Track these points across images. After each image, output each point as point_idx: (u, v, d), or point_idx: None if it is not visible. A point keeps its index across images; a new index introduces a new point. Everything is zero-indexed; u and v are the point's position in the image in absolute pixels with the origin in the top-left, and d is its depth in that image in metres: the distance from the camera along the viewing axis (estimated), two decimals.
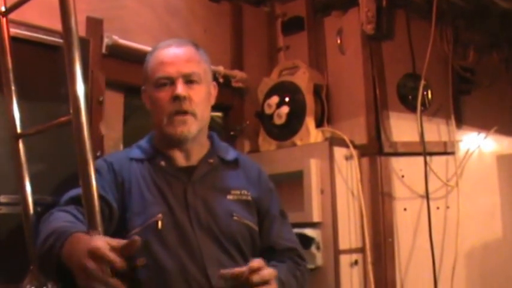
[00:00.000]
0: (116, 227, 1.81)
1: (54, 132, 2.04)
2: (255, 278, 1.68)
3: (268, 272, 1.72)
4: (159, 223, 1.84)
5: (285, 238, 2.11)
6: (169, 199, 1.91)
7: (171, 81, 1.96)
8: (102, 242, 1.39)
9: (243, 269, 1.69)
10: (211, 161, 2.05)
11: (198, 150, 2.05)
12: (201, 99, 1.99)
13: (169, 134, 1.97)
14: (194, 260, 1.82)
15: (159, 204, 1.89)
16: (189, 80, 1.97)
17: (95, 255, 1.35)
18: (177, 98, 1.93)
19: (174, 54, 2.01)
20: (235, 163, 2.11)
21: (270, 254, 1.99)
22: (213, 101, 2.12)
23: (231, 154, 2.13)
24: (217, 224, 1.91)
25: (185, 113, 1.94)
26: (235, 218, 1.95)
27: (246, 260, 1.87)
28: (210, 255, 1.85)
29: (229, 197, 2.00)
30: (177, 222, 1.87)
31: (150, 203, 1.89)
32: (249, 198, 2.03)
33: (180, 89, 1.94)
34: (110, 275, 1.35)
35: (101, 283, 1.34)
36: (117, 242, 1.38)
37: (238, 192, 2.02)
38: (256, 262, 1.71)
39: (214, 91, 2.13)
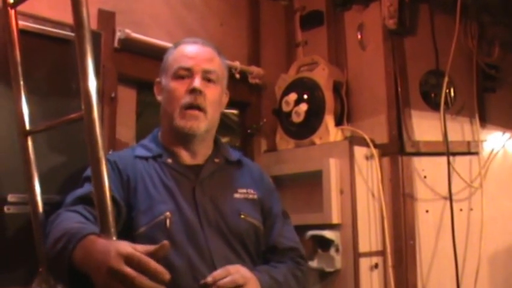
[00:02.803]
0: (123, 226, 1.81)
1: (64, 129, 2.02)
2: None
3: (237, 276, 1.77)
4: (168, 221, 1.84)
5: (287, 237, 2.13)
6: (177, 197, 1.92)
7: (191, 74, 2.01)
8: (129, 247, 1.36)
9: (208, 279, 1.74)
10: (217, 160, 2.09)
11: (204, 150, 2.08)
12: (214, 99, 2.04)
13: (179, 127, 1.99)
14: (203, 257, 1.83)
15: (167, 202, 1.89)
16: (207, 78, 2.03)
17: (133, 261, 1.31)
18: (193, 91, 1.98)
19: (198, 50, 2.08)
20: (238, 163, 2.16)
21: (272, 253, 2.05)
22: (222, 109, 2.17)
23: (234, 155, 2.18)
24: (226, 222, 1.94)
25: (198, 108, 1.98)
26: (242, 216, 1.98)
27: (251, 258, 1.95)
28: (219, 253, 1.87)
29: (237, 195, 2.03)
30: (186, 221, 1.87)
31: (157, 201, 1.89)
32: (255, 197, 2.08)
33: (198, 82, 1.99)
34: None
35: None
36: (145, 248, 1.36)
37: (244, 191, 2.06)
38: (220, 271, 1.76)
39: (225, 99, 2.19)
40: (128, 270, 1.30)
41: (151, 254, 1.33)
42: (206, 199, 1.95)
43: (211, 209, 1.93)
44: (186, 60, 2.04)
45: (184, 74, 2.01)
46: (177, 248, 1.82)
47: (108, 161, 1.91)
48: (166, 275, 1.31)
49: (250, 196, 2.05)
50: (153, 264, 1.31)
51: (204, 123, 1.99)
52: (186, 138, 2.02)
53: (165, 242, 1.34)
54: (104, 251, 1.37)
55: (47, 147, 2.17)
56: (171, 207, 1.87)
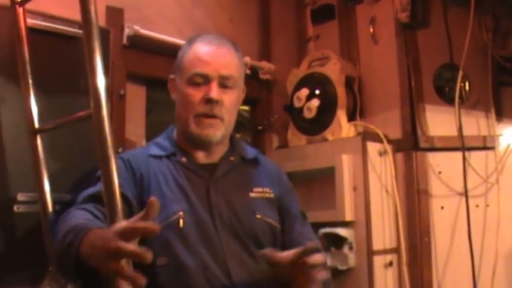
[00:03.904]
0: None
1: (73, 127, 2.04)
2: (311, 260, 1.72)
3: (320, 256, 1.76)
4: (181, 221, 1.85)
5: (307, 238, 2.10)
6: (191, 196, 1.92)
7: (206, 80, 1.98)
8: (124, 222, 1.36)
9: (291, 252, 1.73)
10: (232, 158, 2.09)
11: (220, 149, 2.08)
12: (232, 104, 2.03)
13: (194, 135, 1.99)
14: (216, 258, 1.84)
15: (180, 201, 1.90)
16: (224, 84, 2.00)
17: (125, 233, 1.30)
18: (209, 101, 1.96)
19: (214, 53, 2.02)
20: (255, 161, 2.15)
21: None
22: (239, 106, 2.15)
23: (250, 152, 2.17)
24: (240, 222, 1.94)
25: (214, 117, 1.97)
26: (258, 216, 1.98)
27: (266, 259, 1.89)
28: (232, 254, 1.87)
29: (252, 194, 2.03)
30: (199, 220, 1.88)
31: (171, 200, 1.90)
32: (272, 196, 2.07)
33: (215, 92, 1.96)
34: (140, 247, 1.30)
35: (137, 256, 1.28)
36: (137, 215, 1.35)
37: (260, 189, 2.06)
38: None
39: (242, 95, 2.17)
40: (121, 243, 1.29)
41: (144, 217, 1.31)
42: (220, 198, 1.95)
43: (225, 209, 1.94)
44: (202, 66, 1.99)
45: (200, 81, 1.98)
46: (190, 248, 1.83)
47: (121, 159, 1.95)
48: (153, 226, 1.28)
49: (267, 195, 2.05)
50: (140, 223, 1.30)
51: (220, 131, 1.99)
52: (202, 144, 2.02)
53: (152, 198, 1.32)
54: (103, 236, 1.37)
55: (59, 146, 2.19)
56: (185, 206, 1.88)
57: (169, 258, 1.81)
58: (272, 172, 2.17)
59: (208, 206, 1.92)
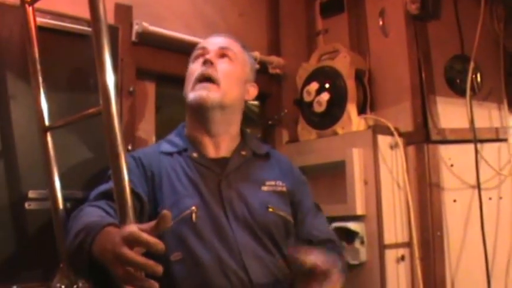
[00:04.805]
0: (147, 221, 1.83)
1: (85, 124, 2.07)
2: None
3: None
4: (193, 216, 1.87)
5: (320, 230, 2.16)
6: (203, 191, 1.95)
7: (206, 52, 2.11)
8: (134, 227, 1.40)
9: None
10: (243, 153, 2.11)
11: (228, 141, 2.12)
12: (228, 72, 2.10)
13: (190, 102, 2.06)
14: (231, 252, 1.86)
15: (192, 196, 1.92)
16: (222, 53, 2.11)
17: (130, 240, 1.35)
18: (205, 63, 2.06)
19: (218, 36, 2.20)
20: (266, 156, 2.18)
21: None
22: (248, 98, 2.22)
23: (263, 148, 2.21)
24: (253, 216, 1.96)
25: (209, 79, 2.04)
26: (270, 209, 1.99)
27: (281, 252, 1.95)
28: (246, 247, 1.89)
29: (264, 188, 2.05)
30: (212, 215, 1.90)
31: (183, 195, 1.93)
32: (284, 189, 2.09)
33: (211, 55, 2.09)
34: (147, 259, 1.34)
35: (139, 267, 1.33)
36: (148, 224, 1.38)
37: (273, 183, 2.07)
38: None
39: (252, 90, 2.23)
40: (124, 250, 1.33)
41: (155, 228, 1.35)
42: (232, 192, 1.98)
43: (238, 203, 1.96)
44: (202, 44, 2.16)
45: (200, 52, 2.11)
46: (205, 243, 1.86)
47: (132, 157, 1.98)
48: (158, 245, 1.32)
49: (279, 188, 2.07)
50: (144, 236, 1.33)
51: (216, 95, 2.03)
52: (200, 115, 2.06)
53: (165, 211, 1.35)
54: (111, 240, 1.41)
55: (71, 143, 2.22)
56: (197, 201, 1.91)
57: (184, 253, 1.84)
58: (284, 166, 2.19)
59: (221, 200, 1.94)
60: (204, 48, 2.14)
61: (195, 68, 2.11)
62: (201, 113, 2.06)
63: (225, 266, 1.83)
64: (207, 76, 2.05)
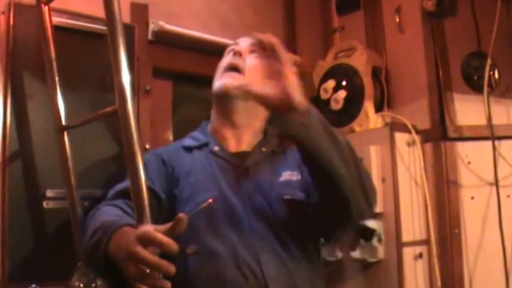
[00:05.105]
0: (166, 218, 1.83)
1: (104, 123, 2.07)
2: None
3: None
4: (210, 208, 1.85)
5: None
6: (222, 184, 1.94)
7: (238, 48, 2.13)
8: (149, 227, 1.41)
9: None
10: (264, 149, 2.09)
11: (250, 136, 2.11)
12: (256, 67, 2.02)
13: (214, 90, 2.09)
14: (246, 245, 1.84)
15: (210, 189, 1.91)
16: (253, 50, 2.08)
17: (144, 239, 1.36)
18: (234, 54, 2.09)
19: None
20: (283, 152, 2.15)
21: None
22: None
23: (282, 146, 2.17)
24: (271, 208, 1.93)
25: (236, 69, 2.05)
26: (286, 197, 1.96)
27: (298, 246, 1.92)
28: (262, 240, 1.87)
29: (281, 178, 2.02)
30: (229, 207, 1.89)
31: (200, 189, 1.92)
32: (299, 178, 2.04)
33: (241, 46, 2.12)
34: (160, 259, 1.35)
35: (152, 266, 1.34)
36: (164, 226, 1.39)
37: (288, 173, 2.04)
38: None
39: None
40: (138, 248, 1.34)
41: (170, 231, 1.36)
42: (251, 186, 1.96)
43: (256, 196, 1.94)
44: (238, 40, 2.19)
45: (232, 48, 2.14)
46: (220, 236, 1.84)
47: (153, 154, 2.00)
48: (172, 245, 1.33)
49: (294, 178, 2.03)
50: (158, 236, 1.34)
51: (237, 83, 2.01)
52: (223, 104, 2.08)
53: (181, 215, 1.35)
54: (126, 238, 1.42)
55: (90, 142, 2.23)
56: (215, 194, 1.89)
57: (199, 245, 1.83)
58: (298, 156, 2.18)
59: (239, 192, 1.93)
60: (236, 43, 2.17)
61: (225, 60, 2.14)
62: (224, 102, 2.07)
63: (239, 258, 1.81)
64: (234, 66, 2.07)
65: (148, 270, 1.35)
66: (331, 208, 1.82)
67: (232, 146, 2.07)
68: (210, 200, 1.81)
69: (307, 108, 1.58)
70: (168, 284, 1.37)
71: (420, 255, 2.69)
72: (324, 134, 1.65)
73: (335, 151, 1.67)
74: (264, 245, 1.86)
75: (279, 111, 1.57)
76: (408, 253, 2.66)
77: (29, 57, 2.13)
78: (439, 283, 2.64)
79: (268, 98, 1.56)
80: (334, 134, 1.70)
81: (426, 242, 2.74)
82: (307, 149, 1.66)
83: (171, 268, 1.34)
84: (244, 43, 2.17)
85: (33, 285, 2.04)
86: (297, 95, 1.54)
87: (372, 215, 1.87)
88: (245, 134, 2.08)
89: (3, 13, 2.15)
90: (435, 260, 2.67)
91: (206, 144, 2.07)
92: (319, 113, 1.68)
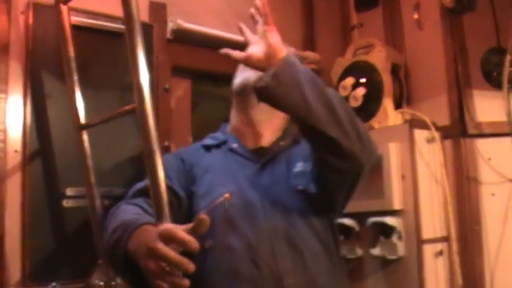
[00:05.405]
0: (185, 216, 1.83)
1: (123, 122, 2.07)
2: None
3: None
4: (226, 203, 1.84)
5: None
6: (239, 179, 1.94)
7: None
8: (171, 225, 1.42)
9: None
10: (282, 143, 2.08)
11: (270, 133, 2.10)
12: None
13: (234, 87, 2.09)
14: (262, 239, 1.83)
15: (227, 185, 1.90)
16: None
17: (166, 236, 1.35)
18: None
19: None
20: (297, 142, 2.12)
21: None
22: None
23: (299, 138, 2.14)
24: (287, 201, 1.92)
25: None
26: (300, 188, 1.94)
27: (316, 238, 1.90)
28: (278, 234, 1.85)
29: (295, 170, 2.00)
30: (246, 202, 1.88)
31: (218, 184, 1.92)
32: (310, 168, 2.00)
33: None
34: (181, 256, 1.34)
35: (172, 263, 1.34)
36: (186, 226, 1.39)
37: (302, 163, 2.00)
38: None
39: None
40: (159, 245, 1.34)
41: (191, 231, 1.35)
42: (268, 180, 1.95)
43: (273, 189, 1.93)
44: None
45: None
46: (236, 230, 1.84)
47: (173, 154, 2.02)
48: (194, 243, 1.33)
49: (308, 169, 2.01)
50: (180, 234, 1.34)
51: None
52: (242, 100, 2.07)
53: (202, 215, 1.35)
54: (146, 235, 1.42)
55: (110, 141, 2.24)
56: (231, 188, 1.87)
57: (215, 240, 1.83)
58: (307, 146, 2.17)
59: (257, 187, 1.92)
60: None
61: None
62: (243, 97, 2.06)
63: (254, 252, 1.80)
64: None
65: (167, 268, 1.35)
66: (322, 155, 1.81)
67: (251, 143, 2.07)
68: (227, 195, 1.80)
69: (286, 56, 1.70)
70: (187, 282, 1.36)
71: (440, 253, 2.67)
72: (307, 84, 1.72)
73: (318, 99, 1.71)
74: (280, 238, 1.85)
75: (261, 64, 1.71)
76: (428, 250, 2.64)
77: (48, 57, 2.14)
78: (459, 280, 2.62)
79: (251, 55, 1.73)
80: (317, 83, 1.77)
81: (446, 238, 2.73)
82: (287, 100, 1.70)
83: (191, 266, 1.33)
84: None
85: (54, 284, 2.05)
86: (275, 43, 1.71)
87: (370, 156, 1.83)
88: (264, 130, 2.08)
89: (22, 13, 2.16)
90: (455, 256, 2.65)
91: (225, 143, 2.08)
92: (302, 64, 1.78)
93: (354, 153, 1.74)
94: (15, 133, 2.11)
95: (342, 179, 1.89)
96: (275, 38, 1.72)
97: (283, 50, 1.71)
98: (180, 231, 1.35)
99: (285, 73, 1.67)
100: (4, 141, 2.07)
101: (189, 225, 1.37)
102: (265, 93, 1.68)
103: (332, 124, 1.69)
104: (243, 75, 2.06)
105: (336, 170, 1.81)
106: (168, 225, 1.41)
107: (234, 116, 2.14)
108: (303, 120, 1.71)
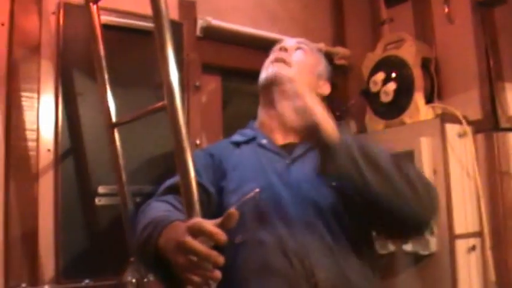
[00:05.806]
0: (214, 212, 1.82)
1: (154, 120, 2.08)
2: None
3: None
4: (256, 198, 1.83)
5: None
6: (270, 174, 1.94)
7: (283, 46, 2.17)
8: (200, 219, 1.43)
9: None
10: None
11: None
12: (302, 60, 2.15)
13: (261, 81, 2.12)
14: (292, 233, 1.82)
15: (257, 180, 1.90)
16: (298, 47, 2.17)
17: (194, 230, 1.36)
18: (281, 49, 2.14)
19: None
20: None
21: None
22: (321, 92, 2.23)
23: None
24: (319, 197, 1.90)
25: (283, 61, 2.09)
26: (334, 184, 1.90)
27: (347, 235, 1.87)
28: (310, 229, 1.84)
29: None
30: (276, 197, 1.88)
31: (248, 179, 1.91)
32: None
33: (286, 44, 2.17)
34: (209, 249, 1.34)
35: (201, 257, 1.33)
36: (215, 220, 1.39)
37: None
38: None
39: (325, 86, 2.27)
40: (188, 238, 1.34)
41: (221, 225, 1.35)
42: (299, 175, 1.94)
43: (304, 184, 1.91)
44: (283, 39, 2.25)
45: (277, 46, 2.18)
46: (266, 225, 1.83)
47: (202, 150, 2.02)
48: (221, 235, 1.33)
49: None
50: (208, 226, 1.34)
51: (286, 70, 2.06)
52: (270, 94, 2.05)
53: (231, 210, 1.35)
54: (177, 230, 1.43)
55: (141, 139, 2.25)
56: (262, 183, 1.86)
57: (246, 235, 1.82)
58: None
59: (287, 182, 1.91)
60: (282, 41, 2.21)
61: (271, 56, 2.16)
62: (269, 91, 2.06)
63: (286, 247, 1.79)
64: (281, 59, 2.10)
65: (197, 261, 1.35)
66: (384, 227, 1.87)
67: (280, 139, 2.07)
68: (257, 190, 1.80)
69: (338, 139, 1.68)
70: (219, 274, 1.36)
71: (473, 248, 2.63)
72: (362, 162, 1.67)
73: (377, 177, 1.67)
74: (312, 233, 1.83)
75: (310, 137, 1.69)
76: (461, 245, 2.61)
77: (78, 56, 2.16)
78: (493, 275, 2.59)
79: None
80: (373, 157, 1.70)
81: (479, 234, 2.68)
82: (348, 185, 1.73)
83: (220, 259, 1.34)
84: (289, 42, 2.19)
85: (87, 281, 2.06)
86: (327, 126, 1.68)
87: (435, 211, 1.82)
88: (291, 130, 2.06)
89: (53, 13, 2.17)
90: (489, 252, 2.62)
91: (254, 139, 2.08)
92: (353, 138, 1.75)
93: (425, 225, 1.83)
94: (47, 132, 2.12)
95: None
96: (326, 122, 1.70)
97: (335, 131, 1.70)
98: (208, 224, 1.35)
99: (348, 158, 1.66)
100: (36, 140, 2.09)
101: (218, 220, 1.37)
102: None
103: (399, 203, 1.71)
104: (272, 69, 2.07)
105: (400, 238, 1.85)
106: (196, 219, 1.41)
107: (262, 112, 2.14)
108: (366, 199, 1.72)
